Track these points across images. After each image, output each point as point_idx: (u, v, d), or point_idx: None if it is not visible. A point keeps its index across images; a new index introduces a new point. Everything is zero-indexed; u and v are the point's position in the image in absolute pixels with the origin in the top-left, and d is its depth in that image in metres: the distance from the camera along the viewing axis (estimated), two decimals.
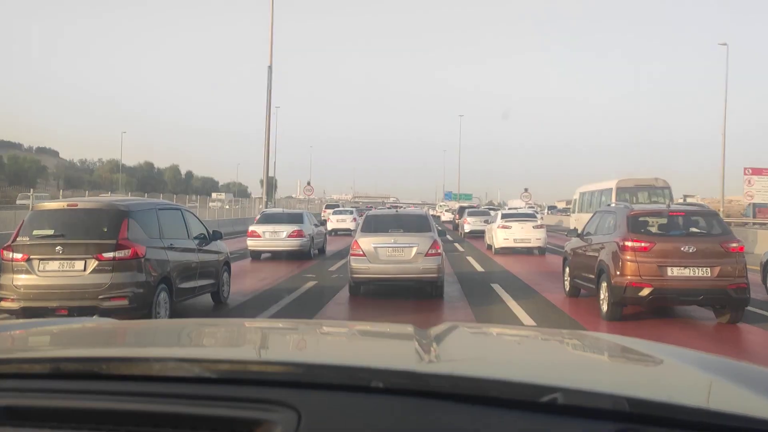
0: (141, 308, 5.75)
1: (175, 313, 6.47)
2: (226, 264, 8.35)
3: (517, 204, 45.16)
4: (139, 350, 1.29)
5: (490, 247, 18.27)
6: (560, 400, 0.83)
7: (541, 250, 17.41)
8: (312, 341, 1.50)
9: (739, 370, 1.19)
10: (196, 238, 7.46)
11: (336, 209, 30.20)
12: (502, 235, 17.17)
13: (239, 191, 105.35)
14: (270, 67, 23.27)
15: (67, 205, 6.22)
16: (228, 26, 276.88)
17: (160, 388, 0.92)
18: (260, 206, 41.61)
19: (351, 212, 27.69)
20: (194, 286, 7.15)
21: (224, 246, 8.52)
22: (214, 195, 66.42)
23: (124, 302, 5.66)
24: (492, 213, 22.82)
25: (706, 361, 1.25)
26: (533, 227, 17.27)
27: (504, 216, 18.05)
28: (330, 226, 25.89)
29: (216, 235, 8.03)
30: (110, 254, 5.71)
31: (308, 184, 41.30)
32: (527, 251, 17.48)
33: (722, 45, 31.84)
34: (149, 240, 6.16)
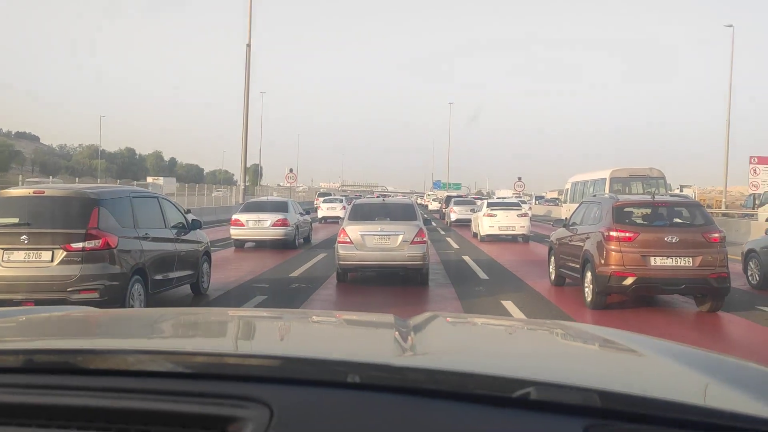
0: (113, 301, 5.52)
1: (151, 306, 6.28)
2: (206, 254, 8.18)
3: (505, 194, 45.44)
4: (112, 341, 1.25)
5: (476, 235, 18.65)
6: (533, 395, 0.82)
7: (525, 238, 17.84)
8: (291, 332, 1.48)
9: (721, 364, 1.17)
10: (174, 227, 7.25)
11: (326, 197, 31.23)
12: (487, 223, 17.56)
13: (225, 179, 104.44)
14: (248, 46, 22.60)
15: (33, 192, 5.92)
16: (221, 8, 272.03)
17: (132, 384, 0.89)
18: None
19: (341, 200, 28.72)
20: (171, 277, 6.96)
21: (204, 235, 8.34)
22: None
23: (95, 295, 5.43)
24: (478, 202, 23.10)
25: (688, 355, 1.22)
26: (518, 215, 17.68)
27: (490, 204, 18.51)
28: (320, 213, 27.27)
29: (195, 224, 7.84)
30: (79, 244, 5.47)
31: (290, 171, 39.35)
32: (512, 239, 17.88)
33: (728, 26, 30.52)
34: (122, 229, 5.93)
